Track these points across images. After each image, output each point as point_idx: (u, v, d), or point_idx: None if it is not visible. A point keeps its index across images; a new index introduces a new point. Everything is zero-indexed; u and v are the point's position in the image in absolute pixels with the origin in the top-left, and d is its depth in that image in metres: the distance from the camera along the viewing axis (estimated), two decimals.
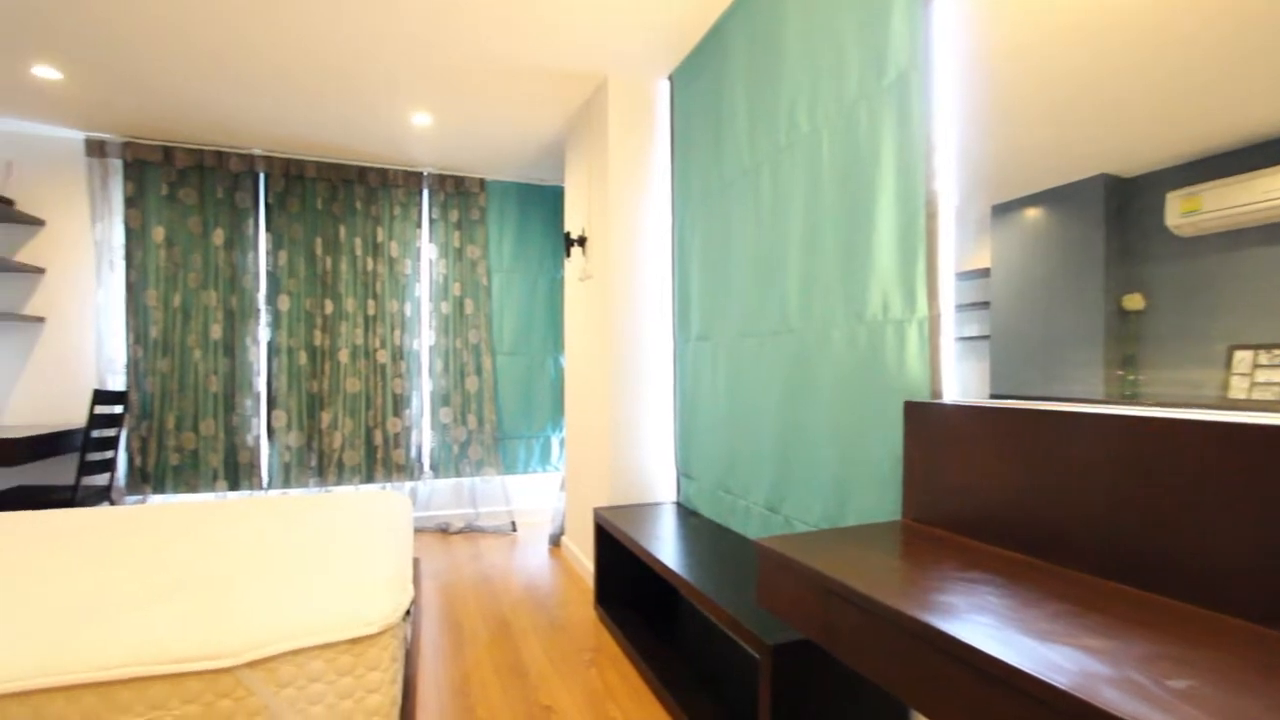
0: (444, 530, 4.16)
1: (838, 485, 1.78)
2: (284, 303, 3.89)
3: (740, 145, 2.30)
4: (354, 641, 1.33)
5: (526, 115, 3.35)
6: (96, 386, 3.60)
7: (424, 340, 4.21)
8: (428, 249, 4.20)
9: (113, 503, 3.54)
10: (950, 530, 1.37)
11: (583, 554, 3.26)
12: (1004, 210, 1.46)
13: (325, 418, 3.95)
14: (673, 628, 2.47)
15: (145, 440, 3.66)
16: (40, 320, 3.58)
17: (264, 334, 3.88)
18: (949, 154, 1.48)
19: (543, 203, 4.44)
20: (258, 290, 3.86)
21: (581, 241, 3.19)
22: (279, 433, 3.89)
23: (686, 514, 2.66)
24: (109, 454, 3.29)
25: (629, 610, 2.63)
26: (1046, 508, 1.16)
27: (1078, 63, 1.29)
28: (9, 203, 3.34)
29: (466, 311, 4.24)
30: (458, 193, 4.22)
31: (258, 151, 3.82)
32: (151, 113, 3.31)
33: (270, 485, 3.89)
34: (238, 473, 3.82)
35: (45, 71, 2.84)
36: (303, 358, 3.92)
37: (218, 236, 3.76)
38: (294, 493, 3.90)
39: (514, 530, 4.15)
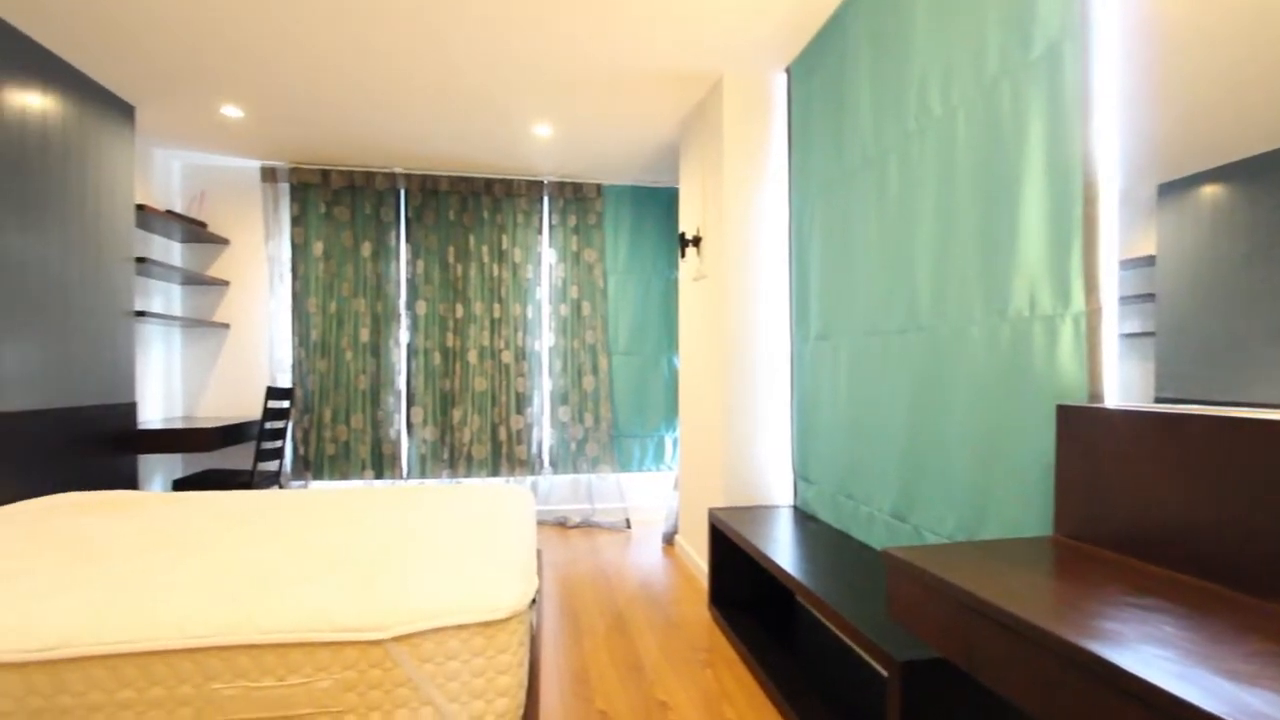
0: (562, 524, 4.32)
1: (975, 495, 1.65)
2: (421, 308, 4.22)
3: (864, 133, 2.19)
4: (486, 624, 1.42)
5: (642, 119, 3.40)
6: (269, 384, 4.09)
7: (544, 341, 4.40)
8: (547, 254, 4.39)
9: (280, 486, 4.01)
10: (1113, 550, 1.22)
11: (696, 554, 3.26)
12: (1173, 190, 1.29)
13: (456, 414, 4.24)
14: (789, 634, 2.40)
15: (307, 431, 4.11)
16: (225, 326, 4.14)
17: (404, 336, 4.23)
18: (1110, 131, 1.32)
19: (656, 205, 4.50)
20: (399, 297, 4.23)
21: (696, 241, 3.19)
22: (416, 427, 4.22)
23: (804, 518, 2.58)
24: (278, 443, 3.73)
25: (744, 613, 2.60)
26: (1237, 529, 1.01)
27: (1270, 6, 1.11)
28: (202, 225, 3.88)
29: (584, 313, 4.38)
30: (576, 198, 4.38)
31: (399, 170, 4.18)
32: (313, 141, 3.72)
33: (409, 475, 4.24)
34: (382, 463, 4.19)
35: (231, 110, 3.28)
36: (437, 358, 4.24)
37: (366, 249, 4.16)
38: (429, 483, 4.23)
39: (628, 527, 4.23)
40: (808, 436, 2.66)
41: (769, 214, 2.89)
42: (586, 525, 4.30)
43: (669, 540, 3.82)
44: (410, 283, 4.23)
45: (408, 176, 4.18)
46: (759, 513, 2.68)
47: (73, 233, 2.81)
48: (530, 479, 4.37)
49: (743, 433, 2.86)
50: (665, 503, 4.47)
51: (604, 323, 4.39)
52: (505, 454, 4.29)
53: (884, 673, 1.33)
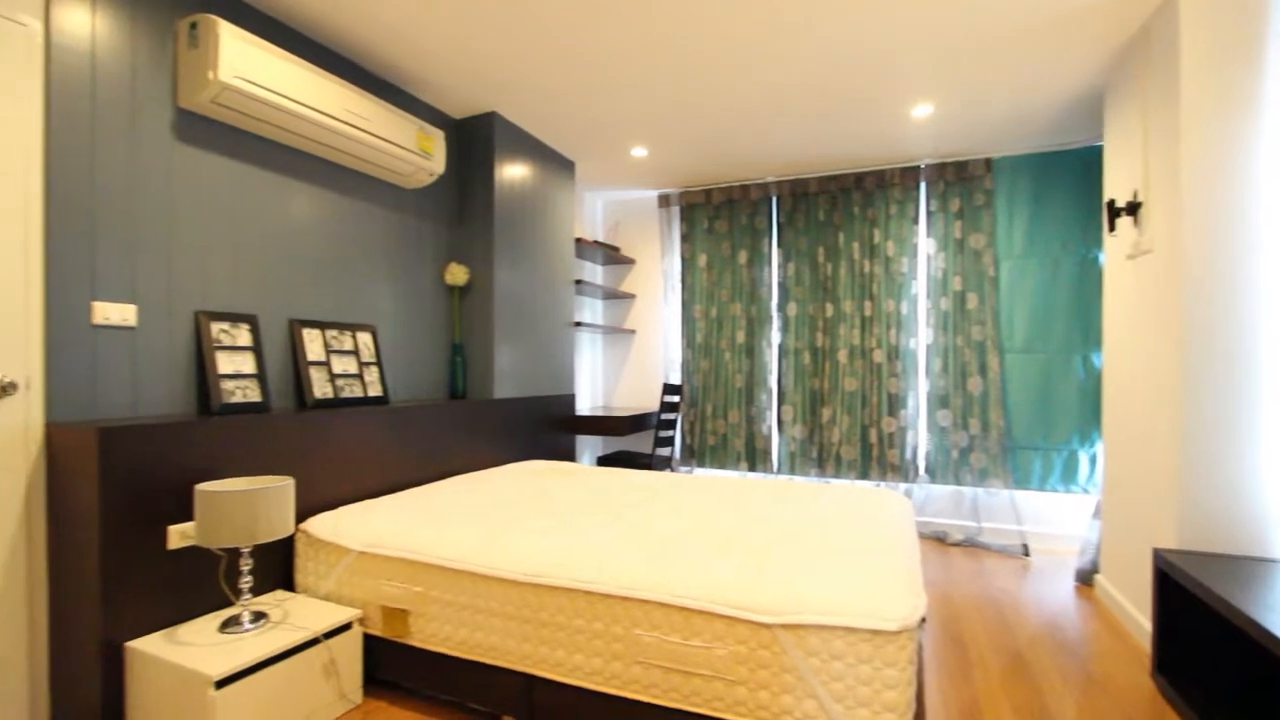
0: (940, 539, 3.94)
1: None
2: (792, 309, 4.35)
3: None
4: (874, 633, 1.38)
5: (1046, 75, 2.87)
6: (664, 381, 4.76)
7: (921, 339, 4.07)
8: (925, 244, 4.05)
9: (672, 469, 4.62)
10: None
11: (1129, 601, 2.60)
12: None
13: (825, 413, 4.25)
14: None
15: (693, 423, 4.64)
16: (633, 332, 4.97)
17: (775, 337, 4.43)
18: None
19: (1067, 170, 3.73)
20: (771, 300, 4.44)
21: (1132, 209, 2.54)
22: (786, 425, 4.37)
23: None
24: (671, 432, 4.30)
25: (1211, 692, 1.96)
26: None
27: None
28: (615, 249, 4.73)
29: (969, 306, 3.91)
30: (959, 179, 3.93)
31: (771, 179, 4.39)
32: (699, 167, 4.18)
33: (779, 470, 4.42)
34: (755, 456, 4.46)
35: (638, 151, 3.92)
36: (806, 358, 4.32)
37: (741, 257, 4.49)
38: (797, 479, 4.33)
39: (1026, 554, 3.62)
40: None
41: (1253, 166, 2.11)
42: (970, 544, 3.83)
43: (1085, 579, 3.13)
44: (781, 286, 4.40)
45: (778, 184, 4.36)
46: (1238, 565, 1.99)
47: (539, 265, 3.74)
48: (903, 486, 4.11)
49: (1208, 454, 2.16)
50: (1079, 532, 3.68)
51: (994, 316, 3.84)
52: (876, 457, 4.12)
53: None
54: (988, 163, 3.86)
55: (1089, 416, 3.67)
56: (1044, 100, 3.16)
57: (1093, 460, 3.67)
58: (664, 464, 4.40)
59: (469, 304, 3.41)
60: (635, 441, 5.02)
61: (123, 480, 1.74)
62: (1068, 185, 3.73)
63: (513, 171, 3.50)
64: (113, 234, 1.95)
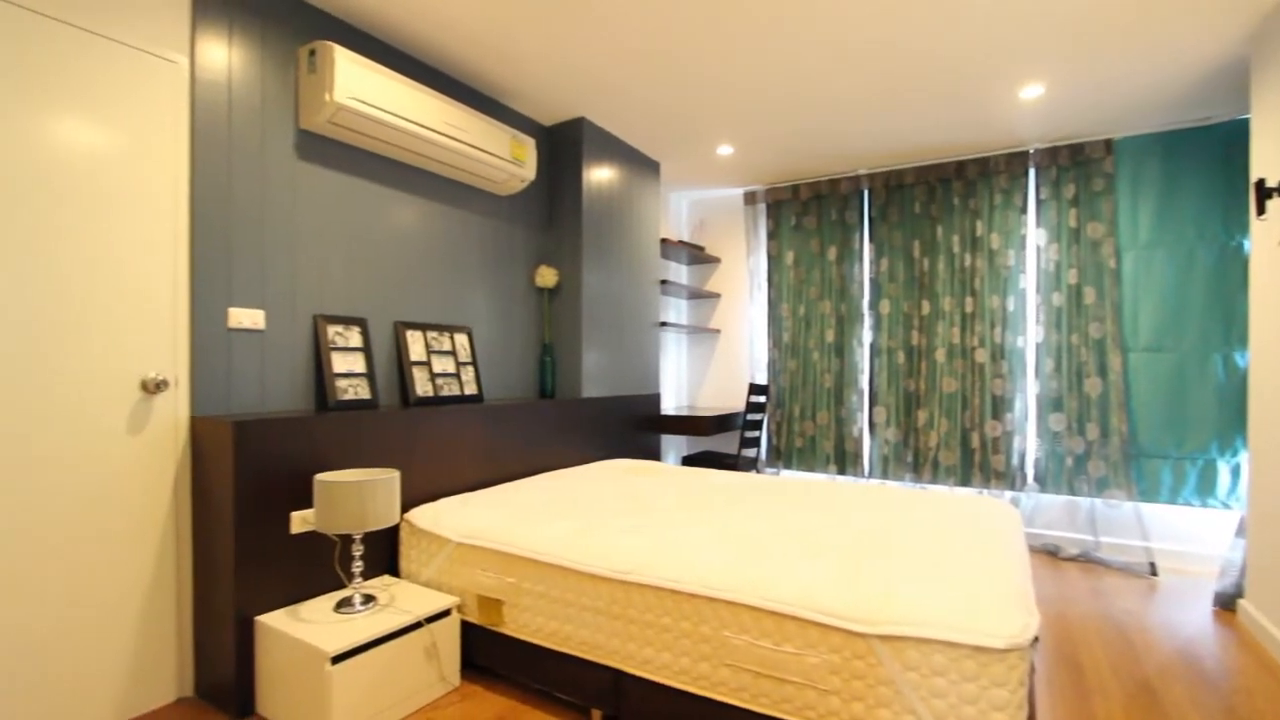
0: (1051, 553, 3.65)
1: None
2: (884, 307, 4.18)
3: None
4: (978, 650, 1.30)
5: (1179, 44, 2.60)
6: (749, 381, 4.69)
7: (1030, 337, 3.79)
8: (1035, 235, 3.77)
9: (757, 471, 4.55)
10: None
11: None
12: None
13: (921, 416, 4.05)
14: None
15: (779, 424, 4.55)
16: (717, 332, 4.93)
17: (867, 336, 4.26)
18: None
19: (1203, 149, 3.36)
20: (862, 297, 4.28)
21: None
22: (879, 427, 4.20)
23: None
24: (756, 433, 4.24)
25: None
26: None
27: None
28: (700, 249, 4.71)
29: (1085, 301, 3.60)
30: (1074, 164, 3.63)
31: (862, 171, 4.23)
32: (786, 162, 4.10)
33: (870, 474, 4.25)
34: (844, 459, 4.31)
35: (724, 149, 3.89)
36: (900, 357, 4.13)
37: (831, 253, 4.35)
38: (890, 484, 4.15)
39: (1153, 573, 3.29)
40: None
41: None
42: (1086, 560, 3.53)
43: (1226, 604, 2.81)
44: (874, 282, 4.23)
45: (871, 176, 4.20)
46: None
47: (625, 266, 3.79)
48: (1009, 494, 3.84)
49: None
50: (1220, 551, 3.31)
51: (1115, 311, 3.51)
52: (978, 463, 3.88)
53: None
54: (1108, 144, 3.54)
55: (1231, 422, 3.29)
56: (1177, 73, 2.86)
57: (1235, 471, 3.28)
58: (749, 465, 4.34)
59: (558, 305, 3.51)
60: (720, 442, 4.98)
61: (253, 468, 1.92)
62: (1204, 166, 3.35)
63: (600, 174, 3.56)
64: (245, 246, 2.15)
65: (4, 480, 1.64)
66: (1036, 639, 1.34)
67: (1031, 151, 3.74)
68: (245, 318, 2.14)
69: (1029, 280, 3.79)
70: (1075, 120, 3.40)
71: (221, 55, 2.09)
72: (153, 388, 1.91)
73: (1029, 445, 3.80)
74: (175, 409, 1.98)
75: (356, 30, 2.51)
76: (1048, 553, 3.68)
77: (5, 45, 1.64)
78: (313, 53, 2.25)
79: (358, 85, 2.25)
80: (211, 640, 1.95)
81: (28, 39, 1.67)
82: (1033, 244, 3.78)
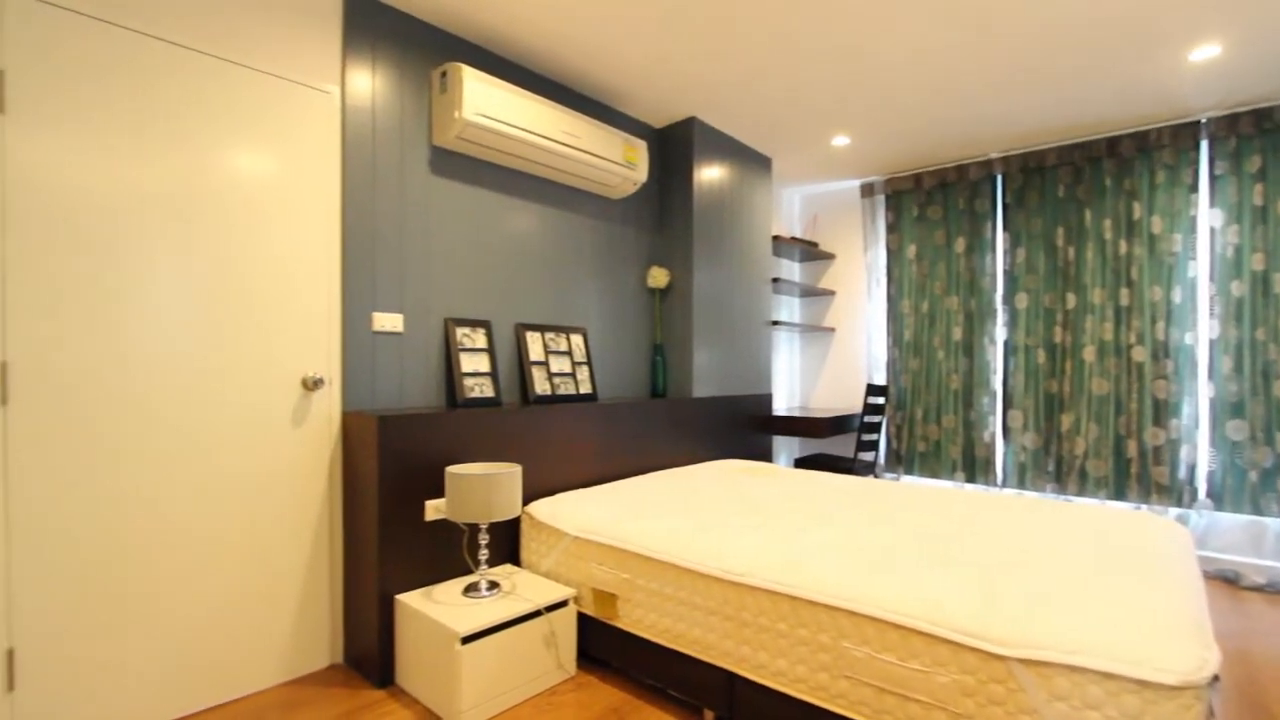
0: (1229, 580, 3.18)
1: None
2: (1021, 301, 3.83)
3: None
4: (1144, 684, 1.16)
5: None
6: (867, 381, 4.48)
7: (1201, 332, 3.33)
8: (1207, 216, 3.31)
9: (875, 476, 4.33)
10: None
11: None
12: None
13: (1065, 421, 3.67)
14: None
15: (900, 427, 4.31)
16: (832, 330, 4.75)
17: (1000, 333, 3.93)
18: None
19: None
20: (995, 291, 3.95)
21: None
22: (1014, 432, 3.86)
23: None
24: (875, 436, 4.03)
25: None
26: None
27: None
28: (814, 245, 4.55)
29: (1274, 290, 3.11)
30: (1259, 133, 3.15)
31: (994, 155, 3.91)
32: (907, 149, 3.87)
33: (1004, 483, 3.91)
34: (974, 466, 4.01)
35: (840, 140, 3.74)
36: (1040, 356, 3.77)
37: (959, 245, 4.05)
38: (1028, 494, 3.79)
39: None
40: None
41: None
42: (1275, 590, 3.04)
43: None
44: (1008, 274, 3.89)
45: (1004, 160, 3.86)
46: None
47: (736, 265, 3.75)
48: (1173, 511, 3.39)
49: None
50: None
51: None
52: (1136, 474, 3.46)
53: None
54: None
55: None
56: None
57: None
58: (867, 469, 4.14)
59: (669, 305, 3.53)
60: (835, 444, 4.79)
61: (394, 460, 2.09)
62: None
63: (710, 174, 3.55)
64: (386, 256, 2.35)
65: (195, 463, 1.91)
66: (1217, 677, 1.17)
67: (1204, 121, 3.28)
68: (387, 321, 2.34)
69: (1200, 268, 3.32)
70: (1260, 83, 2.95)
71: (366, 82, 2.30)
72: (312, 385, 2.13)
73: (1200, 456, 3.34)
74: (329, 405, 2.20)
75: (482, 49, 2.67)
76: (1225, 580, 3.21)
77: (189, 85, 1.90)
78: (444, 74, 2.41)
79: (484, 101, 2.39)
80: (358, 614, 2.15)
81: (205, 77, 1.93)
82: (1205, 226, 3.31)
